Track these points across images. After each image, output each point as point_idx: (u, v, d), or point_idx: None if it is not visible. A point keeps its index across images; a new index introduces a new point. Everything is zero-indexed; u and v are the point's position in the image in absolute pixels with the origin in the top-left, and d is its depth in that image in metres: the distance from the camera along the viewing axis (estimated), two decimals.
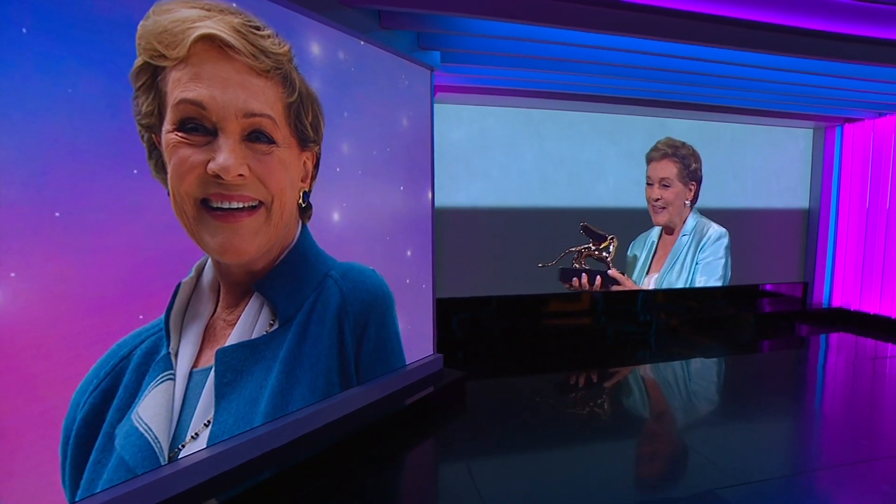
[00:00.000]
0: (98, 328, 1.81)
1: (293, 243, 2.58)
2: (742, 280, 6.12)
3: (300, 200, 2.59)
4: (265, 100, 2.33)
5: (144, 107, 1.93)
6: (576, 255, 4.58)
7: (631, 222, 5.59)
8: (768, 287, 6.55)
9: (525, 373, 4.46)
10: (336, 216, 2.82)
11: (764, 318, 6.16)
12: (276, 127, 2.39)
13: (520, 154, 5.26)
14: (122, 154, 1.86)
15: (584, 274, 4.66)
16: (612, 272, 4.66)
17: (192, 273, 2.16)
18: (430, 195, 3.56)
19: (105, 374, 1.84)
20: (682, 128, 5.69)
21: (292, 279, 2.57)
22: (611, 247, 4.52)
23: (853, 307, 6.06)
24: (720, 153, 5.93)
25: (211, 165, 2.12)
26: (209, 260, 2.23)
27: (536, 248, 5.40)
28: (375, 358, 3.15)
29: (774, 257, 6.31)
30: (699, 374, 4.52)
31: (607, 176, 5.51)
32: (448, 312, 5.33)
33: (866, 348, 5.28)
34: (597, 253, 4.45)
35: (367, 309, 3.03)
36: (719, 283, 5.00)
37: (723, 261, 4.57)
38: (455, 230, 5.16)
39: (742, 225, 6.08)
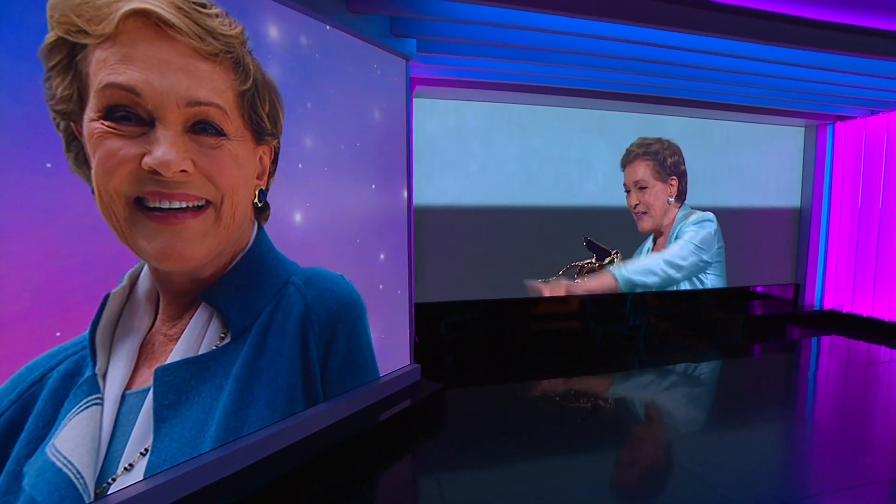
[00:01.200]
0: (2, 348, 1.55)
1: (247, 247, 2.32)
2: (733, 282, 5.97)
3: (255, 200, 2.33)
4: (213, 87, 2.08)
5: (60, 90, 1.67)
6: (578, 270, 4.32)
7: (622, 222, 5.40)
8: (759, 289, 6.41)
9: (510, 380, 4.24)
10: (298, 217, 2.57)
11: (755, 321, 6.00)
12: (227, 118, 2.13)
13: (503, 151, 5.04)
14: (30, 145, 1.59)
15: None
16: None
17: (124, 282, 1.89)
18: (405, 194, 3.32)
19: (9, 403, 1.58)
20: (674, 125, 5.51)
21: (247, 287, 2.32)
22: (614, 261, 4.25)
23: (845, 309, 5.93)
24: (712, 152, 5.77)
25: (147, 160, 1.86)
26: (145, 267, 1.97)
27: (524, 250, 5.19)
28: (345, 371, 2.90)
29: (765, 258, 6.17)
30: (687, 382, 4.33)
31: (596, 174, 5.31)
32: (431, 318, 5.09)
33: (859, 353, 5.14)
34: (599, 267, 4.18)
35: (335, 318, 2.78)
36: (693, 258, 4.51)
37: (696, 233, 4.08)
38: (438, 230, 4.93)
39: (733, 225, 5.92)
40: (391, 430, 3.12)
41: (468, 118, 4.89)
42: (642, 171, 4.40)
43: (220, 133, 2.10)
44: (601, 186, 5.34)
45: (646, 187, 4.32)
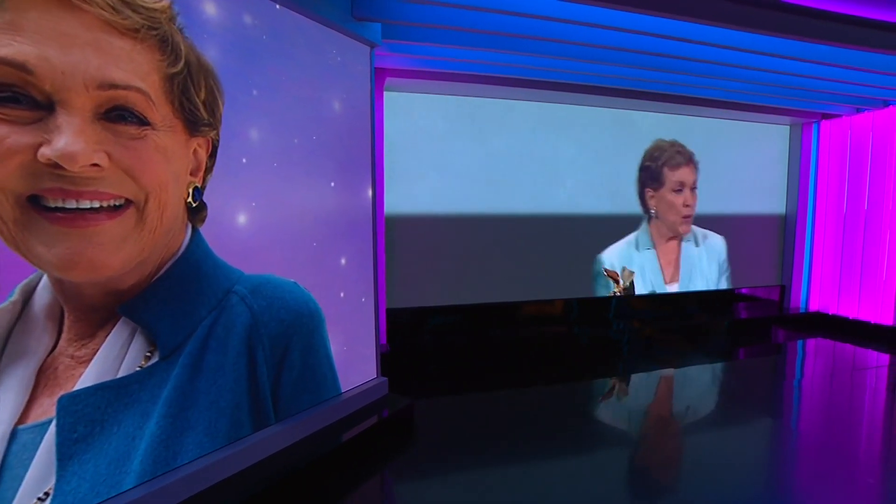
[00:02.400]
0: None
1: (180, 253, 2.04)
2: (718, 283, 5.81)
3: (189, 199, 2.05)
4: (133, 68, 1.79)
5: None
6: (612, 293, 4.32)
7: (594, 226, 5.21)
8: (744, 291, 6.27)
9: (488, 389, 4.00)
10: (242, 218, 2.29)
11: (740, 324, 5.85)
12: (151, 104, 1.85)
13: (482, 150, 4.80)
14: None
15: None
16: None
17: (15, 296, 1.60)
18: (370, 193, 3.05)
19: None
20: (649, 123, 5.33)
21: (179, 298, 2.03)
22: (629, 280, 4.15)
23: (831, 311, 5.81)
24: (695, 150, 5.61)
25: (44, 151, 1.56)
26: (44, 278, 1.67)
27: (505, 251, 4.95)
28: (300, 388, 2.62)
29: (751, 259, 6.02)
30: (670, 392, 4.14)
31: (566, 179, 5.10)
32: (406, 324, 4.83)
33: (845, 357, 5.00)
34: (624, 289, 4.17)
35: (288, 330, 2.50)
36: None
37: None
38: (413, 231, 4.67)
39: (717, 226, 5.76)
40: (355, 451, 2.85)
41: (444, 114, 4.63)
42: (691, 175, 4.19)
43: (142, 122, 1.82)
44: (572, 190, 5.13)
45: (695, 189, 4.13)
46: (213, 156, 2.13)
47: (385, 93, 4.27)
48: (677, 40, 3.27)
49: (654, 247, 4.52)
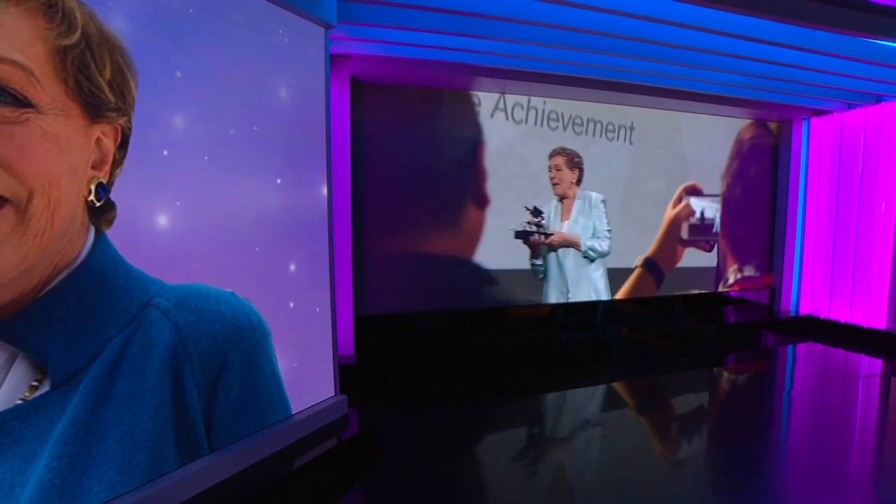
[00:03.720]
0: None
1: (79, 261, 1.72)
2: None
3: (91, 196, 1.73)
4: (5, 35, 1.47)
5: None
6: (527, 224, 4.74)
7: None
8: (733, 293, 6.05)
9: (463, 401, 3.71)
10: (163, 220, 1.97)
11: (729, 328, 5.63)
12: (34, 82, 1.53)
13: (457, 145, 4.51)
14: None
15: (537, 235, 4.91)
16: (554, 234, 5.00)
17: None
18: (325, 191, 2.74)
19: None
20: (639, 116, 5.09)
21: (77, 315, 1.71)
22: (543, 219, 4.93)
23: (822, 314, 5.61)
24: (682, 146, 5.38)
25: None
26: None
27: (485, 253, 4.68)
28: (240, 411, 2.31)
29: (740, 262, 5.81)
30: (656, 405, 3.89)
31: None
32: (378, 333, 4.52)
33: (837, 363, 4.80)
34: (538, 224, 4.83)
35: (224, 347, 2.19)
36: (607, 229, 5.16)
37: (605, 216, 5.14)
38: (386, 234, 4.37)
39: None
40: (309, 479, 2.54)
41: (415, 106, 4.34)
42: (560, 159, 4.62)
43: (21, 102, 1.50)
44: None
45: (560, 170, 4.62)
46: (123, 146, 1.81)
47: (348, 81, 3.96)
48: (658, 22, 3.00)
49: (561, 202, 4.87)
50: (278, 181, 2.45)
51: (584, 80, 4.31)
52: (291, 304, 2.56)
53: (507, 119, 4.70)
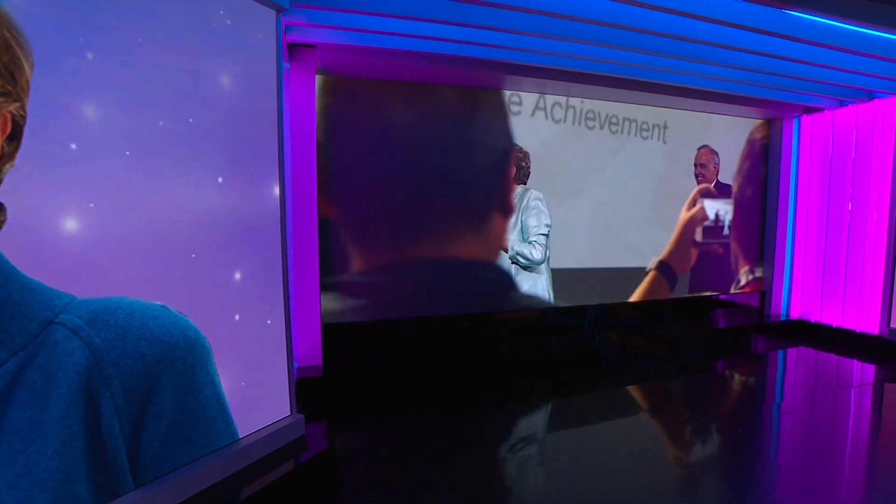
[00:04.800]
0: None
1: None
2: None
3: None
4: None
5: None
6: None
7: None
8: (722, 297, 5.87)
9: (442, 413, 3.47)
10: (72, 224, 1.71)
11: (719, 334, 5.45)
12: None
13: (429, 142, 4.27)
14: None
15: None
16: None
17: None
18: (278, 191, 2.48)
19: None
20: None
21: None
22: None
23: (813, 318, 5.44)
24: (674, 143, 5.19)
25: None
26: None
27: (464, 255, 4.44)
28: (175, 439, 2.05)
29: (730, 265, 5.63)
30: (641, 412, 3.68)
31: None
32: (351, 342, 4.27)
33: (829, 371, 4.63)
34: None
35: (153, 367, 1.93)
36: (546, 223, 4.78)
37: (541, 209, 4.72)
38: (357, 237, 4.12)
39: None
40: None
41: (389, 101, 4.10)
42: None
43: None
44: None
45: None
46: (13, 138, 1.55)
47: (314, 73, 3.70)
48: (645, 7, 2.77)
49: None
50: (219, 180, 2.20)
51: (572, 74, 4.08)
52: (237, 317, 2.31)
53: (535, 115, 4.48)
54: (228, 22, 2.20)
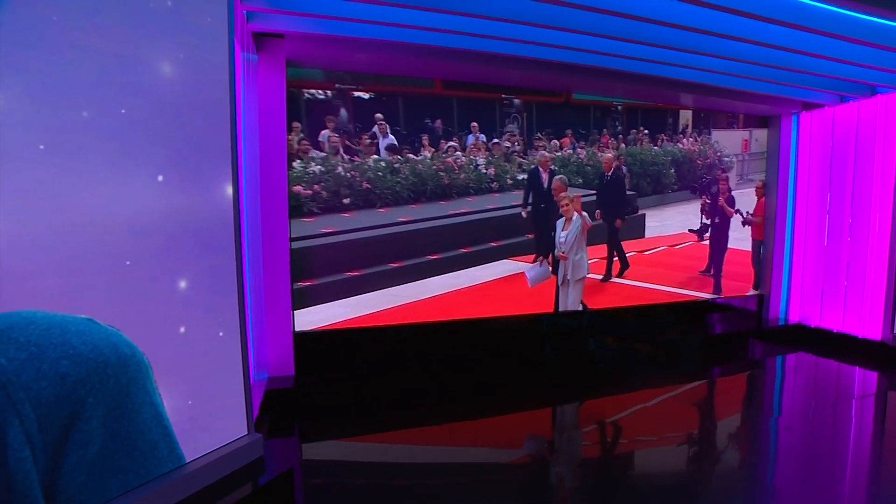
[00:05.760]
0: None
1: None
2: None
3: None
4: None
5: None
6: None
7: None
8: (719, 300, 5.66)
9: (420, 425, 3.27)
10: None
11: (715, 339, 5.25)
12: None
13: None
14: None
15: None
16: None
17: None
18: (230, 191, 2.27)
19: None
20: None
21: None
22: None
23: (813, 323, 5.24)
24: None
25: None
26: None
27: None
28: (106, 469, 1.78)
29: (727, 268, 5.44)
30: (633, 422, 3.48)
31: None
32: (327, 351, 4.05)
33: (829, 379, 4.43)
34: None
35: (77, 389, 1.67)
36: None
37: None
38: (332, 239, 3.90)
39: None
40: None
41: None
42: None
43: None
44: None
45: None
46: None
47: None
48: None
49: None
50: (159, 178, 1.98)
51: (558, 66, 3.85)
52: (182, 329, 2.09)
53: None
54: (169, 3, 1.98)
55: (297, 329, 3.71)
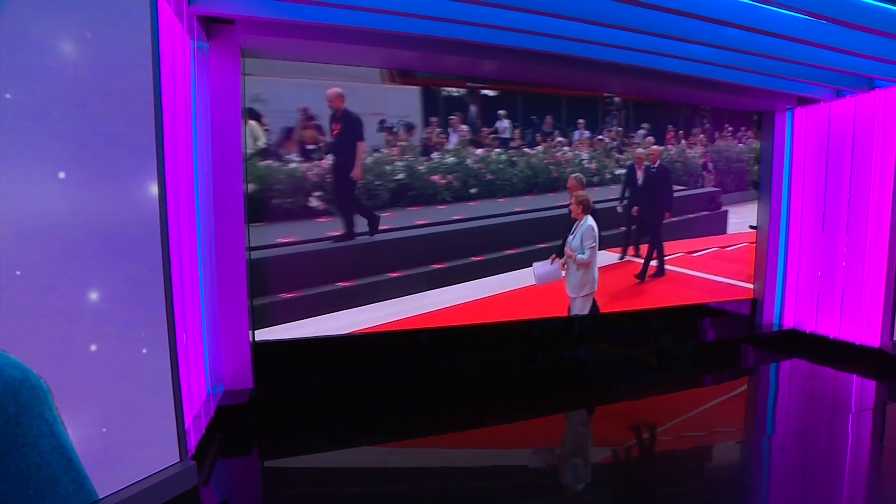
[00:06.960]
0: None
1: None
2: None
3: None
4: None
5: None
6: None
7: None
8: (711, 305, 5.43)
9: (378, 443, 3.02)
10: None
11: (707, 346, 5.03)
12: None
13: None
14: None
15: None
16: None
17: None
18: (155, 190, 2.01)
19: None
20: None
21: None
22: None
23: (808, 329, 5.02)
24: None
25: None
26: None
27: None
28: None
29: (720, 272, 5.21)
30: (623, 432, 3.24)
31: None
32: (293, 364, 3.80)
33: (825, 387, 4.21)
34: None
35: None
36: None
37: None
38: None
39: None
40: None
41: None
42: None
43: None
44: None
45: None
46: None
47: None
48: None
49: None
50: (60, 175, 1.72)
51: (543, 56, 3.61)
52: (93, 348, 1.83)
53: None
54: None
55: (257, 339, 3.47)
